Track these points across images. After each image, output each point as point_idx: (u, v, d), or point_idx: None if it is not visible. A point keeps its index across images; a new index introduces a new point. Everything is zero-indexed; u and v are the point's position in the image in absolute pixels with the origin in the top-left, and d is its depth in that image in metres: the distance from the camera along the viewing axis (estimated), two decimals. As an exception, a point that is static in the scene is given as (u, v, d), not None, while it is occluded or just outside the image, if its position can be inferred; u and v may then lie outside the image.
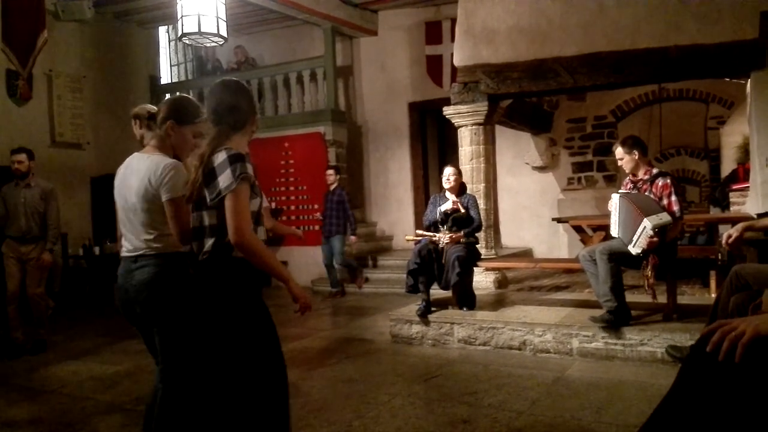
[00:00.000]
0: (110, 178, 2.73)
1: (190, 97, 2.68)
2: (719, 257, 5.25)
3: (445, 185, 5.28)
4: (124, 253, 2.60)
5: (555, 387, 3.78)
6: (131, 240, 2.58)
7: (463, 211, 5.10)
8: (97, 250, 8.14)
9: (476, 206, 5.25)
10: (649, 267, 4.30)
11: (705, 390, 1.59)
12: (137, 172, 2.55)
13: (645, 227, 3.97)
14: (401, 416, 3.38)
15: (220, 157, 2.16)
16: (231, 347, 2.22)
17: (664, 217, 4.03)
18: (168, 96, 10.70)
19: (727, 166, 7.46)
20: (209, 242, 2.20)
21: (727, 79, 6.70)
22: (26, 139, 8.51)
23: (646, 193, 4.32)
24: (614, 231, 4.36)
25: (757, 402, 1.49)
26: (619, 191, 4.45)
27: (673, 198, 4.21)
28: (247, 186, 2.14)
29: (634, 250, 4.09)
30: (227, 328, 2.22)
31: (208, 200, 2.17)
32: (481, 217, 5.42)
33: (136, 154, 2.66)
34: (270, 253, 2.21)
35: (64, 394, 4.13)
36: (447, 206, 5.11)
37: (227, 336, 2.22)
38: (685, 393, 1.66)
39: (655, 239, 4.01)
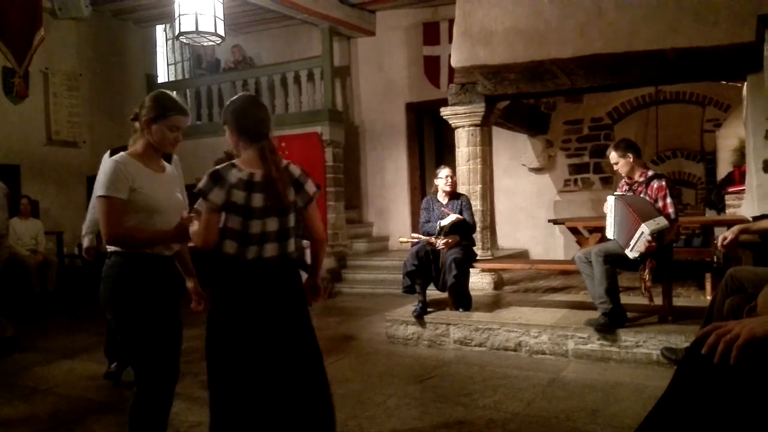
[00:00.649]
0: (106, 177, 2.73)
1: (167, 92, 2.62)
2: (715, 259, 5.27)
3: (445, 188, 5.18)
4: None
5: (550, 388, 3.78)
6: None
7: (461, 219, 5.07)
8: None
9: (470, 208, 5.22)
10: (647, 270, 4.31)
11: (700, 392, 1.60)
12: None
13: (643, 233, 3.97)
14: (396, 417, 3.38)
15: (296, 169, 2.52)
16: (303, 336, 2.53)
17: (662, 222, 4.04)
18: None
19: (723, 169, 7.48)
20: (293, 242, 2.50)
21: (724, 82, 6.72)
22: (22, 137, 8.51)
23: (641, 195, 4.33)
24: (610, 233, 4.37)
25: (752, 404, 1.50)
26: (615, 193, 4.47)
27: (668, 200, 4.22)
28: None
29: (632, 254, 4.09)
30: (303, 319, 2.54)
31: (299, 204, 2.49)
32: (475, 219, 5.39)
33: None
34: None
35: (59, 394, 4.12)
36: (449, 221, 5.00)
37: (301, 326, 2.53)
38: (680, 395, 1.66)
39: (653, 244, 4.02)
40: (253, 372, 2.37)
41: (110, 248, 2.44)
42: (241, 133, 2.45)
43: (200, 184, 2.36)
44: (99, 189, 2.39)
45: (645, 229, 3.96)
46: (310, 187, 2.51)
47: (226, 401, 2.38)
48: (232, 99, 2.58)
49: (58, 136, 8.93)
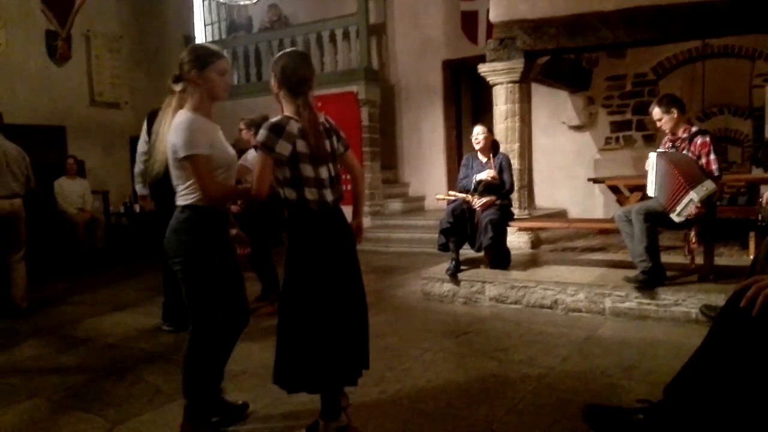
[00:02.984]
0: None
1: (199, 43, 2.66)
2: (759, 218, 5.13)
3: (476, 146, 5.21)
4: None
5: (586, 345, 3.80)
6: None
7: (497, 178, 5.05)
8: (137, 208, 8.35)
9: (509, 167, 5.18)
10: (693, 233, 4.28)
11: (737, 345, 1.60)
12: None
13: (692, 199, 3.92)
14: (432, 369, 3.45)
15: (326, 118, 2.62)
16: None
17: (710, 186, 3.96)
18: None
19: (772, 126, 7.20)
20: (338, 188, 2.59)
21: (776, 34, 6.41)
22: (66, 99, 8.73)
23: (684, 152, 4.23)
24: (651, 190, 4.30)
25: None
26: (657, 150, 4.38)
27: (712, 156, 4.12)
28: None
29: (678, 218, 4.04)
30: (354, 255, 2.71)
31: (341, 151, 2.65)
32: (514, 178, 5.35)
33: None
34: None
35: (109, 344, 4.33)
36: (483, 176, 5.03)
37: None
38: (717, 348, 1.67)
39: (702, 210, 3.99)
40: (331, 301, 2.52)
41: (183, 202, 2.54)
42: (285, 87, 2.54)
43: (260, 138, 2.41)
44: (181, 150, 2.42)
45: (694, 196, 3.91)
46: (343, 134, 2.69)
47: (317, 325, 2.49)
48: (283, 52, 2.64)
49: (101, 97, 9.13)
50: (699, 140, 4.19)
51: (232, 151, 2.70)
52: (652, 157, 4.28)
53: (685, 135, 4.28)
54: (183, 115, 2.50)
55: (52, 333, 4.70)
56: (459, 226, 4.97)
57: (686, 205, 3.97)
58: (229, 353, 2.78)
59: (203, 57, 2.53)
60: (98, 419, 2.98)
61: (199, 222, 2.53)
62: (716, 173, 4.10)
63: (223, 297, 2.63)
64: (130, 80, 9.48)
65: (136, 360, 3.92)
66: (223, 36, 11.51)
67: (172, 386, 3.35)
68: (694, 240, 4.38)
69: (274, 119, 2.48)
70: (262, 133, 2.43)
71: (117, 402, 3.20)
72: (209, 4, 11.75)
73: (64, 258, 7.56)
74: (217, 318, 2.58)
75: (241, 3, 6.71)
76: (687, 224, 4.18)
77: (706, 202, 4.05)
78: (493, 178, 5.02)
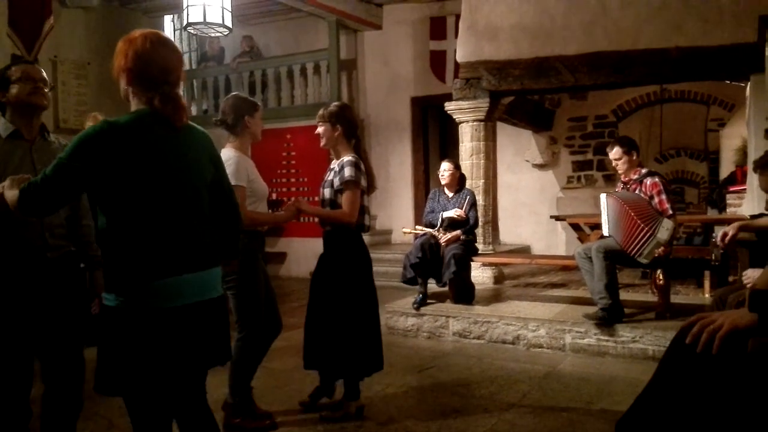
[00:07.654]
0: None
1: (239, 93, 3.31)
2: (712, 258, 5.30)
3: (442, 181, 5.30)
4: None
5: (546, 381, 3.84)
6: None
7: (464, 217, 5.13)
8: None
9: (474, 203, 5.28)
10: (660, 272, 4.45)
11: (683, 381, 1.65)
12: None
13: (658, 241, 4.09)
14: (394, 405, 3.44)
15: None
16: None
17: (668, 225, 4.13)
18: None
19: (726, 169, 7.50)
20: None
21: (728, 82, 6.73)
22: (30, 125, 8.56)
23: (636, 192, 4.38)
24: (605, 230, 4.43)
25: (732, 393, 1.55)
26: (609, 192, 4.54)
27: (664, 196, 4.28)
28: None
29: (645, 260, 4.17)
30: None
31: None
32: (479, 214, 5.44)
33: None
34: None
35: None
36: (451, 214, 5.12)
37: None
38: (664, 384, 1.72)
39: (667, 249, 4.19)
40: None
41: None
42: (347, 131, 3.27)
43: (351, 174, 3.13)
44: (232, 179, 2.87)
45: (660, 238, 4.08)
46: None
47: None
48: (339, 105, 3.37)
49: (66, 124, 9.00)
50: (648, 181, 4.35)
51: (265, 184, 3.19)
52: (603, 198, 4.44)
53: (635, 176, 4.44)
54: (229, 152, 2.99)
55: None
56: (427, 260, 5.01)
57: (652, 248, 4.11)
58: (263, 356, 3.23)
59: (249, 104, 3.13)
60: (47, 455, 2.87)
61: (253, 244, 3.03)
62: (670, 212, 4.25)
63: (264, 307, 3.11)
64: (97, 107, 9.35)
65: (89, 393, 3.79)
66: (194, 66, 11.55)
67: (126, 420, 3.26)
68: (661, 279, 4.52)
69: (352, 156, 3.22)
70: (348, 169, 3.16)
71: (68, 437, 3.09)
72: (180, 34, 11.79)
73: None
74: (260, 325, 3.07)
75: (212, 35, 6.75)
76: (652, 265, 4.31)
77: (670, 243, 4.21)
78: (460, 216, 5.10)
